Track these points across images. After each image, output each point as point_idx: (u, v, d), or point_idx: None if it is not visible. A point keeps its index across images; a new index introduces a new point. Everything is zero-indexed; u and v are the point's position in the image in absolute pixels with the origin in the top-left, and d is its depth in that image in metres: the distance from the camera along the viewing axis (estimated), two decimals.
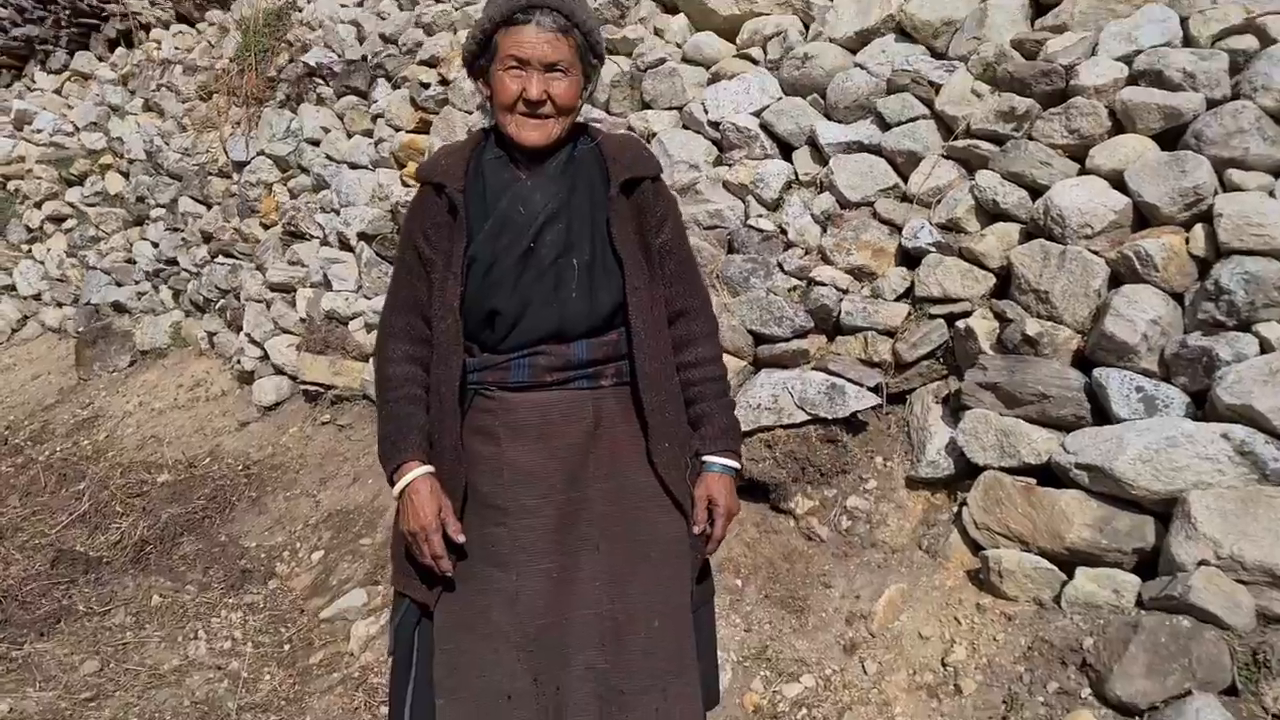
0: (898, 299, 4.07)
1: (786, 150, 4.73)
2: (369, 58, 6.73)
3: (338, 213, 6.43)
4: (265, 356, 6.63)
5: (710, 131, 4.87)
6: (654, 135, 4.96)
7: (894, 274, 4.08)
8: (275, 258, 6.82)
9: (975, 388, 3.63)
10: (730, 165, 4.74)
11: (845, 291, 4.15)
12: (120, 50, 9.65)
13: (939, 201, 4.14)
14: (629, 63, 5.35)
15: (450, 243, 2.15)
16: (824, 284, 4.15)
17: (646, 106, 5.19)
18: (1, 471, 6.68)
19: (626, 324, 2.16)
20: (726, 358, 4.19)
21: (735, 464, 2.32)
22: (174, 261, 7.99)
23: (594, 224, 2.15)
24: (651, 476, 2.20)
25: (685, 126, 5.02)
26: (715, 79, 5.03)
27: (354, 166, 6.53)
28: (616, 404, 2.21)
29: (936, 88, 4.31)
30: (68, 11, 9.66)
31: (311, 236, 6.70)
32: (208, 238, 7.62)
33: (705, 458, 2.29)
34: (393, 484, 2.14)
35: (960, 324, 3.82)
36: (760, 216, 4.51)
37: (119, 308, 8.37)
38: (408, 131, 6.25)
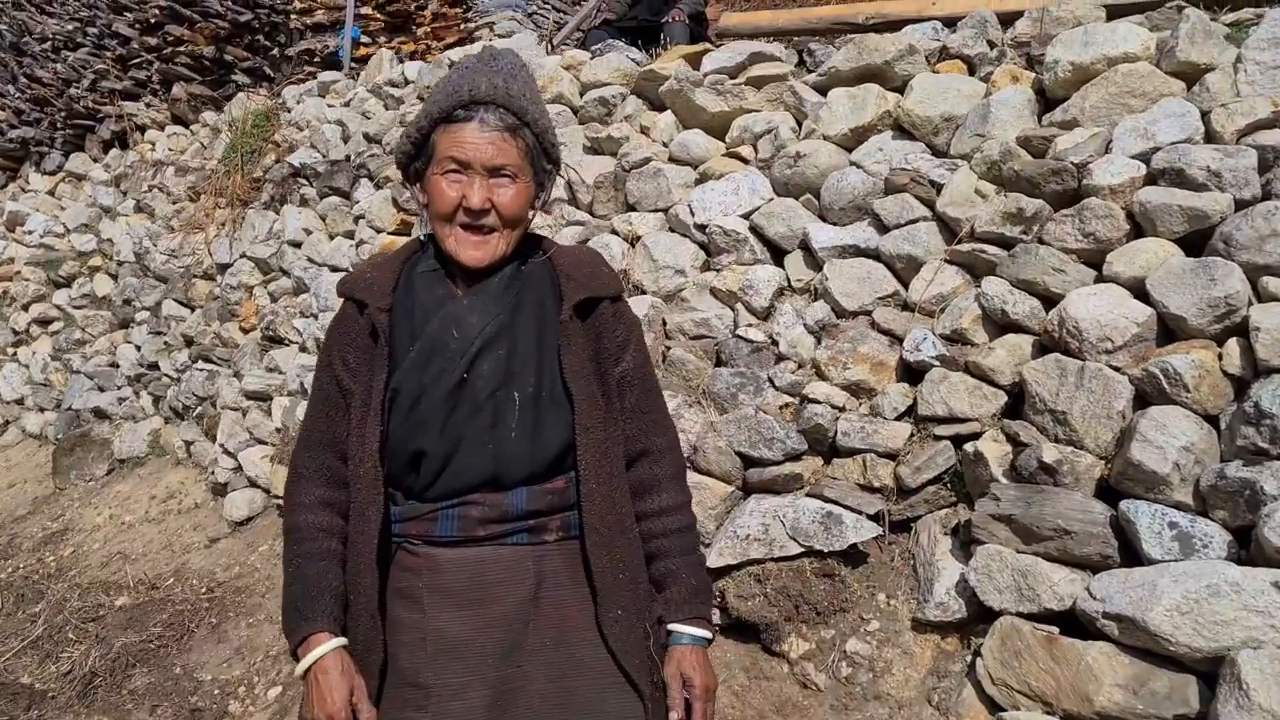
0: (899, 418, 3.70)
1: (778, 254, 4.41)
2: (352, 158, 6.52)
3: (316, 317, 6.14)
4: (239, 468, 6.30)
5: (697, 234, 4.56)
6: (639, 239, 4.65)
7: (895, 390, 3.72)
8: (253, 364, 6.52)
9: (988, 520, 3.24)
10: (718, 271, 4.42)
11: (842, 409, 3.79)
12: (115, 151, 9.55)
13: (943, 310, 3.80)
14: (614, 163, 5.08)
15: (371, 371, 1.90)
16: (818, 401, 3.79)
17: (631, 208, 4.90)
18: None
19: (575, 469, 1.88)
20: (712, 482, 3.86)
21: (707, 634, 1.98)
22: (155, 366, 7.73)
23: (541, 351, 1.90)
24: (603, 650, 1.87)
25: (671, 229, 4.72)
26: (703, 179, 4.74)
27: (334, 269, 6.26)
28: (562, 562, 1.91)
29: (938, 187, 4.00)
30: (63, 114, 9.58)
31: (290, 342, 6.41)
32: (189, 342, 7.37)
33: (672, 627, 1.97)
34: (297, 659, 1.82)
35: (969, 447, 3.45)
36: (750, 326, 4.17)
37: (100, 414, 8.09)
38: (389, 233, 5.99)
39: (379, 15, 9.69)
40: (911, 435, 3.66)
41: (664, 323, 4.38)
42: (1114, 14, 4.27)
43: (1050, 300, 3.50)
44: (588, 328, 1.94)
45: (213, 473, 6.54)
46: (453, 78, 1.86)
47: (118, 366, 8.19)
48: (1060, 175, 3.64)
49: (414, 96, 6.56)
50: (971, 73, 4.46)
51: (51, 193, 9.89)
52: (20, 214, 9.60)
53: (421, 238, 2.05)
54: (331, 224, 6.49)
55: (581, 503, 1.87)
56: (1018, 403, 3.50)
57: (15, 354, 9.22)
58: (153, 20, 9.03)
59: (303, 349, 6.25)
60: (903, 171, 4.07)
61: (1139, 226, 3.43)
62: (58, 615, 5.69)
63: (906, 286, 3.97)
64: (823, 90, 4.67)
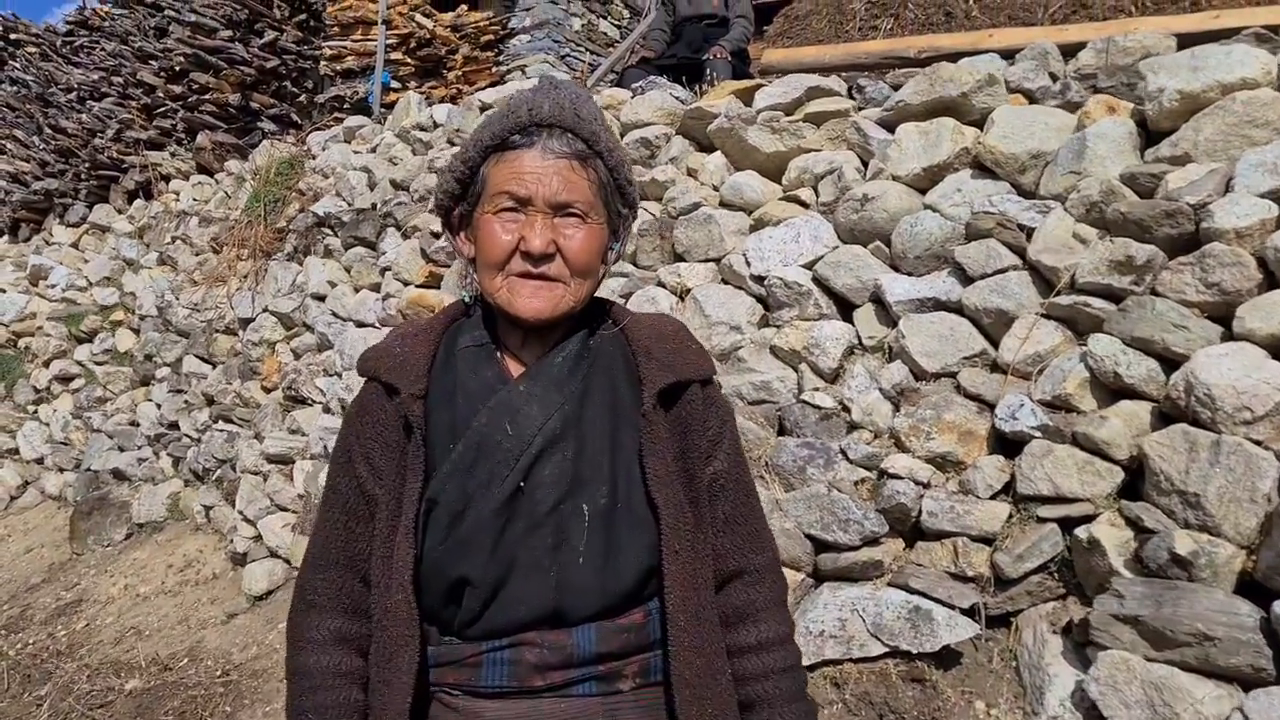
0: (994, 496, 3.24)
1: (846, 309, 3.96)
2: (378, 206, 6.15)
3: (340, 376, 5.76)
4: (259, 537, 5.89)
5: (754, 287, 4.12)
6: (688, 292, 4.22)
7: (988, 464, 3.25)
8: (274, 425, 6.13)
9: (1109, 620, 2.78)
10: (779, 327, 3.97)
11: (926, 485, 3.33)
12: (139, 202, 9.29)
13: (1041, 372, 3.33)
14: (659, 208, 4.66)
15: (402, 475, 1.51)
16: (899, 476, 3.33)
17: (679, 258, 4.47)
18: None
19: (660, 599, 1.49)
20: None
21: None
22: (175, 426, 7.37)
23: (616, 451, 1.51)
24: None
25: (725, 281, 4.28)
26: (758, 226, 4.30)
27: (360, 324, 5.88)
28: (640, 718, 1.50)
29: (1028, 232, 3.55)
30: (87, 165, 9.34)
31: (313, 402, 6.02)
32: (210, 400, 7.01)
33: None
34: None
35: (1081, 532, 2.99)
36: (817, 390, 3.72)
37: (119, 475, 7.74)
38: (416, 286, 5.59)
39: (410, 60, 9.44)
40: (1010, 516, 3.19)
41: (719, 386, 3.93)
42: (1185, 43, 3.86)
43: (1170, 361, 3.06)
44: (673, 420, 1.55)
45: (231, 541, 6.14)
46: (508, 103, 1.50)
47: (138, 425, 7.86)
48: (1175, 218, 3.19)
49: (443, 140, 6.20)
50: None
51: (75, 245, 9.63)
52: (43, 267, 9.34)
53: (466, 299, 1.65)
54: (357, 276, 6.11)
55: (668, 645, 1.46)
56: (1136, 480, 3.05)
57: (36, 412, 8.92)
58: (178, 68, 8.79)
59: (326, 410, 5.87)
60: (987, 215, 3.62)
61: (1272, 275, 2.99)
62: (64, 700, 5.28)
63: (996, 345, 3.51)
64: (890, 126, 4.24)
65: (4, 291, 9.57)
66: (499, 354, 1.56)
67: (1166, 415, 3.02)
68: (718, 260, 4.35)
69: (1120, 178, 3.44)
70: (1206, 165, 3.31)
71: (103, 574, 6.95)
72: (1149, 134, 3.64)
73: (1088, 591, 3.02)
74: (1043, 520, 3.12)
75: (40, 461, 8.66)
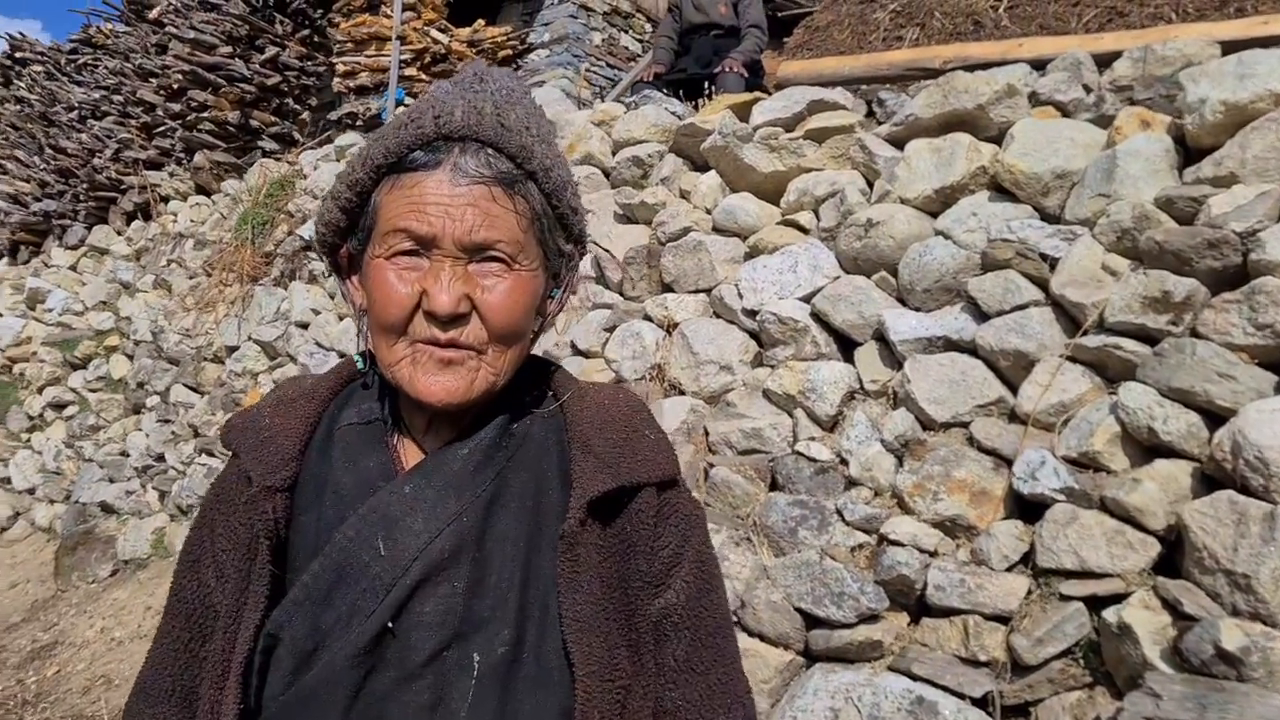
0: (1011, 568, 2.83)
1: (847, 347, 3.54)
2: None
3: None
4: None
5: (746, 322, 3.72)
6: (676, 326, 3.83)
7: (1004, 531, 2.84)
8: None
9: None
10: (773, 367, 3.57)
11: (933, 554, 2.92)
12: (137, 223, 9.06)
13: (1066, 424, 2.91)
14: (648, 233, 4.27)
15: (245, 587, 1.13)
16: (902, 543, 2.93)
17: (668, 288, 4.08)
18: None
19: None
20: (764, 648, 2.98)
21: None
22: (162, 458, 7.08)
23: (530, 582, 1.12)
24: None
25: (716, 315, 3.89)
26: (753, 253, 3.90)
27: (343, 355, 5.53)
28: None
29: (1052, 263, 3.13)
30: (86, 185, 9.10)
31: None
32: (195, 432, 6.69)
33: None
34: None
35: (1111, 614, 2.58)
36: (812, 440, 3.31)
37: (107, 508, 7.45)
38: None
39: (424, 76, 9.17)
40: (1029, 593, 2.78)
41: (706, 432, 3.53)
42: (1230, 51, 3.45)
43: (1214, 415, 2.66)
44: (613, 537, 1.15)
45: None
46: (413, 107, 1.11)
47: (128, 456, 7.56)
48: (1219, 248, 2.77)
49: None
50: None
51: (73, 267, 9.41)
52: (41, 290, 9.12)
53: (359, 362, 1.26)
54: (340, 303, 5.77)
55: None
56: (1174, 554, 2.64)
57: (29, 440, 8.66)
58: (176, 86, 8.53)
59: None
60: (1005, 243, 3.20)
61: None
62: None
63: (1015, 391, 3.09)
64: (899, 143, 3.83)
65: (1, 315, 9.36)
66: (393, 437, 1.18)
67: (1210, 479, 2.60)
68: (708, 291, 3.95)
69: (1155, 201, 3.02)
70: (1256, 187, 2.87)
71: (82, 614, 6.65)
72: (1188, 151, 3.22)
73: (1117, 682, 2.61)
74: (1066, 598, 2.70)
75: (31, 492, 8.40)
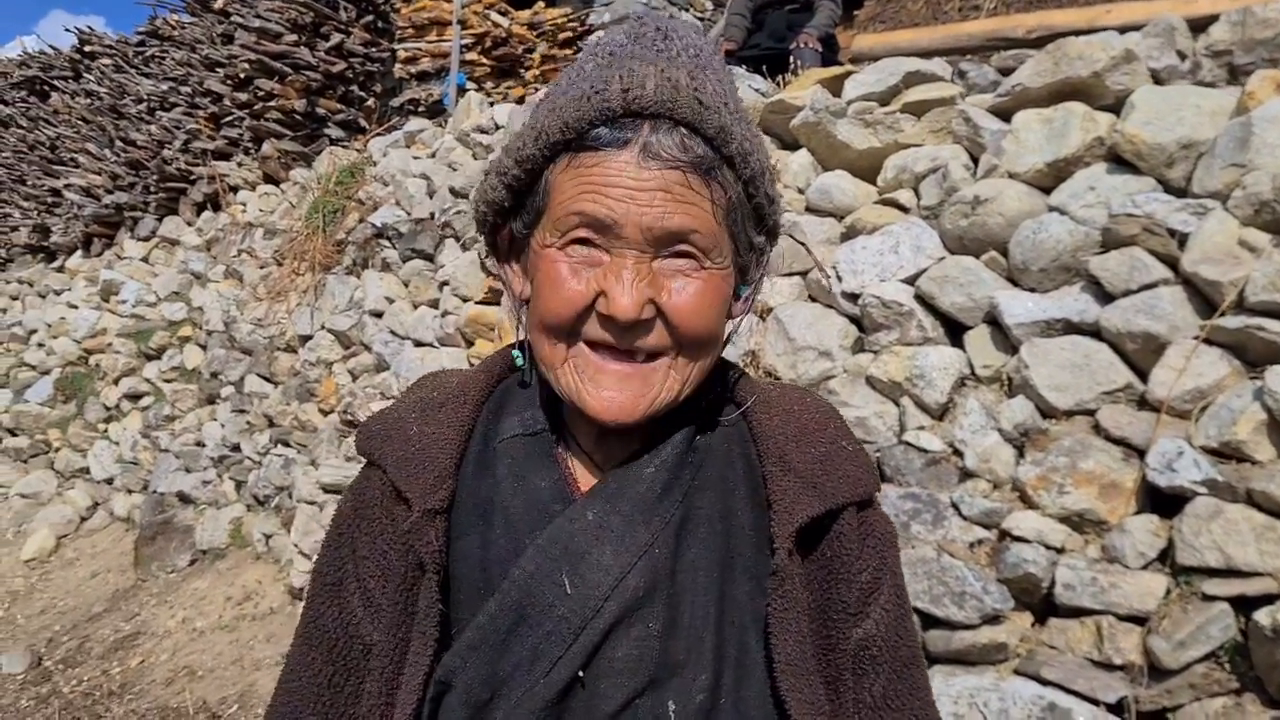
0: (1147, 566, 2.65)
1: (956, 331, 3.36)
2: (436, 215, 5.71)
3: None
4: None
5: (846, 306, 3.55)
6: (770, 311, 3.67)
7: (1138, 526, 2.65)
8: (330, 452, 5.75)
9: None
10: (876, 353, 3.39)
11: (1060, 550, 2.75)
12: (206, 214, 9.07)
13: (1204, 411, 2.71)
14: None
15: (406, 629, 1.02)
16: (1026, 539, 2.76)
17: None
18: (20, 707, 5.71)
19: None
20: None
21: None
22: (238, 448, 7.09)
23: (725, 617, 1.01)
24: None
25: (812, 298, 3.72)
26: (850, 234, 3.72)
27: (418, 344, 5.46)
28: None
29: (1181, 239, 2.92)
30: (155, 177, 9.14)
31: None
32: (270, 422, 6.69)
33: None
34: None
35: (1262, 615, 2.40)
36: (921, 430, 3.14)
37: (184, 498, 7.50)
38: (476, 303, 5.12)
39: (485, 60, 9.09)
40: (1168, 592, 2.60)
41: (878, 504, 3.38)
42: None
43: None
44: (815, 565, 1.04)
45: (288, 573, 5.79)
46: (589, 66, 0.98)
47: (203, 446, 7.60)
48: None
49: (505, 143, 5.75)
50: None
51: (145, 259, 9.47)
52: (115, 282, 9.19)
53: (518, 359, 1.12)
54: (415, 291, 5.69)
55: None
56: None
57: (106, 430, 8.76)
58: (243, 75, 8.51)
59: None
60: (1130, 218, 3.00)
61: None
62: None
63: (1145, 377, 2.89)
64: (1005, 115, 3.62)
65: (76, 308, 9.48)
66: (560, 449, 1.05)
67: None
68: (804, 274, 3.78)
69: None
70: None
71: (162, 604, 6.69)
72: None
73: (1269, 689, 2.42)
74: (1210, 598, 2.52)
75: (110, 482, 8.51)
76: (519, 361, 1.11)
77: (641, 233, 0.90)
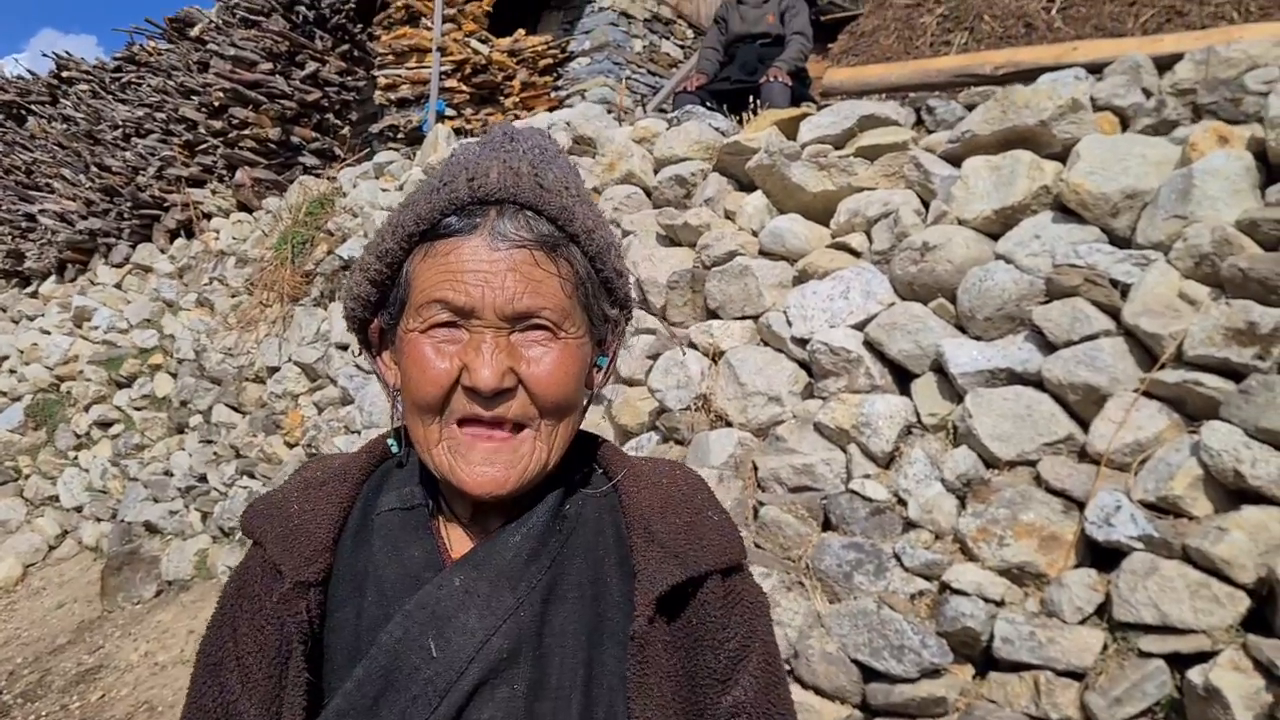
0: (1084, 621, 2.66)
1: (904, 378, 3.36)
2: None
3: (359, 434, 5.32)
4: None
5: (796, 351, 3.55)
6: (721, 354, 3.67)
7: (1076, 580, 2.66)
8: None
9: None
10: (825, 399, 3.40)
11: (1000, 604, 2.75)
12: (180, 241, 9.04)
13: (1142, 465, 2.72)
14: (692, 256, 4.12)
15: (277, 696, 1.04)
16: (966, 592, 2.76)
17: (713, 315, 3.92)
18: None
19: None
20: (819, 702, 2.81)
21: None
22: (204, 478, 7.04)
23: (593, 681, 1.03)
24: None
25: (763, 343, 3.72)
26: (802, 278, 3.73)
27: (382, 381, 5.43)
28: None
29: (1123, 289, 2.94)
30: (130, 204, 9.11)
31: None
32: (237, 453, 6.64)
33: None
34: None
35: (1196, 674, 2.41)
36: (867, 478, 3.14)
37: (151, 528, 7.45)
38: None
39: (465, 87, 9.13)
40: (1105, 648, 2.61)
41: (754, 467, 3.38)
42: None
43: None
44: (679, 631, 1.05)
45: None
46: (442, 168, 1.04)
47: (171, 475, 7.54)
48: None
49: None
50: (1125, 128, 3.45)
51: (119, 285, 9.42)
52: (87, 309, 9.14)
53: (392, 445, 1.15)
54: None
55: None
56: (1265, 609, 2.44)
57: (76, 458, 8.69)
58: (218, 103, 8.51)
59: None
60: (1072, 269, 3.01)
61: None
62: None
63: (1085, 428, 2.90)
64: (955, 160, 3.64)
65: (49, 334, 9.42)
66: (436, 522, 1.08)
67: None
68: (755, 318, 3.78)
69: (1237, 224, 2.82)
70: None
71: (126, 636, 6.62)
72: (1270, 168, 3.00)
73: None
74: (1146, 655, 2.52)
75: (79, 510, 8.43)
76: (394, 448, 1.13)
77: (495, 312, 0.94)
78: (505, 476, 0.98)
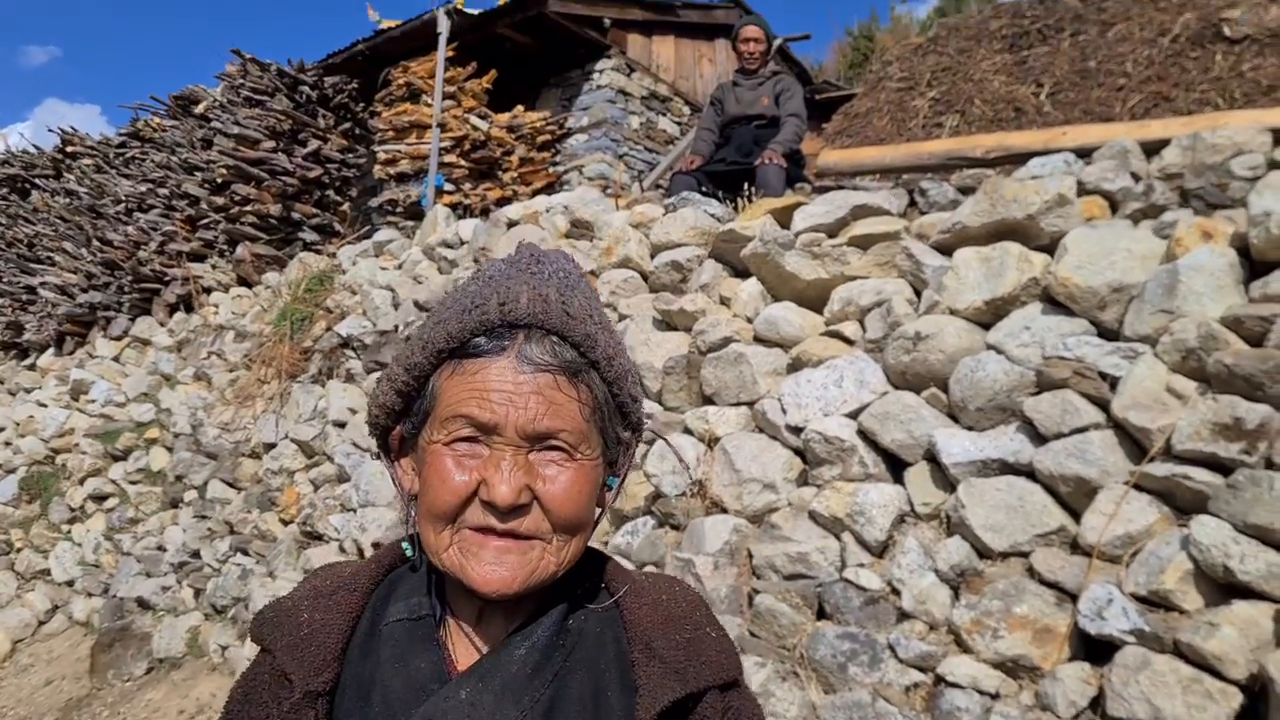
0: (1078, 715, 2.65)
1: (897, 466, 3.40)
2: (400, 328, 5.77)
3: (355, 512, 5.32)
4: None
5: (790, 438, 3.59)
6: (717, 440, 3.71)
7: (1069, 674, 2.66)
8: (287, 564, 5.71)
9: None
10: (819, 487, 3.42)
11: (995, 696, 2.74)
12: (179, 315, 9.10)
13: (1134, 557, 2.75)
14: (687, 341, 4.17)
15: None
16: (960, 685, 2.76)
17: (708, 400, 3.96)
18: None
19: None
20: None
21: None
22: (198, 554, 7.01)
23: None
24: None
25: (759, 429, 3.76)
26: (797, 365, 3.78)
27: (377, 457, 5.45)
28: None
29: (1112, 382, 2.99)
30: (130, 277, 9.19)
31: (328, 539, 5.59)
32: (231, 529, 6.62)
33: None
34: None
35: None
36: (861, 567, 3.15)
37: (143, 604, 7.39)
38: None
39: (464, 162, 9.26)
40: None
41: (749, 555, 3.39)
42: None
43: None
44: None
45: None
46: (471, 287, 1.10)
47: (165, 551, 7.50)
48: None
49: (469, 259, 5.83)
50: (1114, 211, 3.52)
51: (117, 359, 9.45)
52: (85, 382, 9.17)
53: (406, 549, 1.18)
54: None
55: None
56: (1258, 704, 2.44)
57: (69, 532, 8.64)
58: (220, 180, 8.63)
59: (341, 550, 5.42)
60: (1061, 361, 3.07)
61: None
62: None
63: (1077, 519, 2.93)
64: (946, 250, 3.71)
65: (45, 406, 9.43)
66: (442, 632, 1.11)
67: None
68: (751, 404, 3.82)
69: (1222, 320, 2.87)
70: None
71: (115, 715, 6.53)
72: (1253, 264, 3.07)
73: None
74: None
75: (71, 584, 8.37)
76: (409, 552, 1.16)
77: (517, 431, 0.99)
78: (513, 576, 1.00)
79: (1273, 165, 3.27)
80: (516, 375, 1.00)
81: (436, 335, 1.03)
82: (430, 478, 1.02)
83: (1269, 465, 2.60)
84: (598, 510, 1.10)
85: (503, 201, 9.14)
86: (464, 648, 1.09)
